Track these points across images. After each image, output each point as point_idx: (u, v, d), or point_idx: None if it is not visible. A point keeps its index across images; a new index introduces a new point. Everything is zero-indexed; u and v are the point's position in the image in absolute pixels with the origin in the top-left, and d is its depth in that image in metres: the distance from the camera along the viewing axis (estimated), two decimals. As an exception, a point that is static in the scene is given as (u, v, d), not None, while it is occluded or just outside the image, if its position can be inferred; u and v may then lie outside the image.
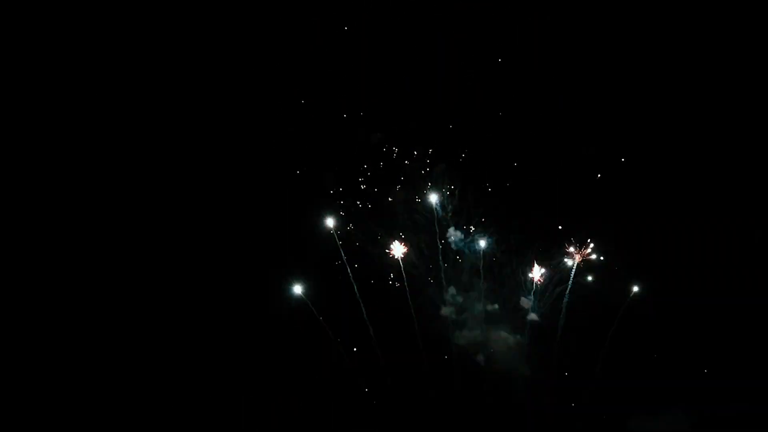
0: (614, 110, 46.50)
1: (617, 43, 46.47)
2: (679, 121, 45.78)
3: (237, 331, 45.22)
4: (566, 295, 44.42)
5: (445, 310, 46.92)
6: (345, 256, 45.42)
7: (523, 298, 46.18)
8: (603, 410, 44.69)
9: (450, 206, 46.05)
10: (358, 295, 45.37)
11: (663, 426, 43.44)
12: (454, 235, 45.96)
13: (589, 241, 43.31)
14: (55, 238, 44.53)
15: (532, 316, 46.05)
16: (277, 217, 46.31)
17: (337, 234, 45.02)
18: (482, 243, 45.12)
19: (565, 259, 43.85)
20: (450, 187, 46.21)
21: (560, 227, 44.92)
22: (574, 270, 43.97)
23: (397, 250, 44.40)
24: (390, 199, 46.18)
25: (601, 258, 43.64)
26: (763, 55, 44.60)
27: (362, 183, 46.22)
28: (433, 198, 45.58)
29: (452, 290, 47.03)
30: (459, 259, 46.70)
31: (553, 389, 45.74)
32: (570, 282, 44.36)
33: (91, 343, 44.23)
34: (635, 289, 43.52)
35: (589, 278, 44.44)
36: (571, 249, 43.39)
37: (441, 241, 45.94)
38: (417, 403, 46.69)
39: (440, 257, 46.20)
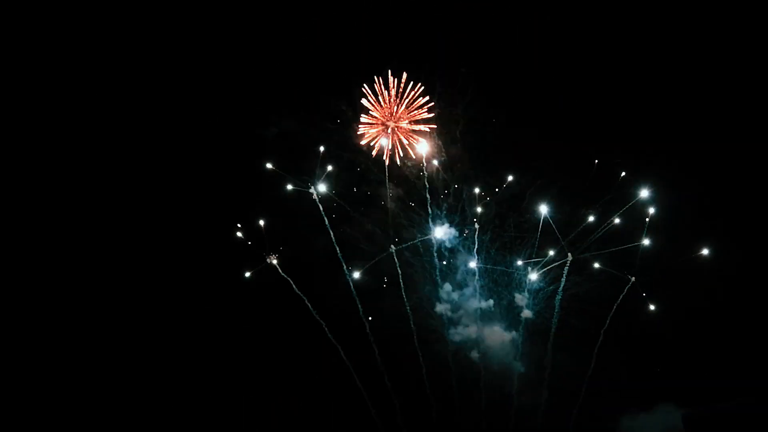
0: (613, 110, 46.67)
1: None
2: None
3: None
4: (559, 293, 44.70)
5: (440, 307, 47.16)
6: (340, 252, 45.75)
7: (517, 295, 46.41)
8: (597, 406, 44.93)
9: (445, 204, 46.18)
10: (354, 293, 45.61)
11: (656, 422, 43.70)
12: (448, 232, 46.10)
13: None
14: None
15: (527, 313, 46.28)
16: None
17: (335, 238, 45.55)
18: (534, 276, 45.95)
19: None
20: (445, 190, 46.34)
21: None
22: (567, 268, 44.27)
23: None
24: (383, 203, 46.28)
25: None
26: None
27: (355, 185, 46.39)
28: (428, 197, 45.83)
29: (447, 287, 47.23)
30: (453, 258, 46.95)
31: (547, 385, 46.03)
32: (563, 280, 44.62)
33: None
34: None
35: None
36: None
37: (435, 238, 46.14)
38: (414, 398, 46.91)
39: (435, 254, 46.46)
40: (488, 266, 46.32)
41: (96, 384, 44.52)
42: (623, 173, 44.74)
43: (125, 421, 44.80)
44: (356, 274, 45.23)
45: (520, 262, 45.87)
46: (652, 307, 43.94)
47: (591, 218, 44.64)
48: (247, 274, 44.38)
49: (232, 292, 44.83)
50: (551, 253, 44.77)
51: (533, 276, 45.59)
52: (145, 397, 44.80)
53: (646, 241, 43.87)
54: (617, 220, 44.25)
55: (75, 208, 45.76)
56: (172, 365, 45.46)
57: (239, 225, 45.07)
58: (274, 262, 44.75)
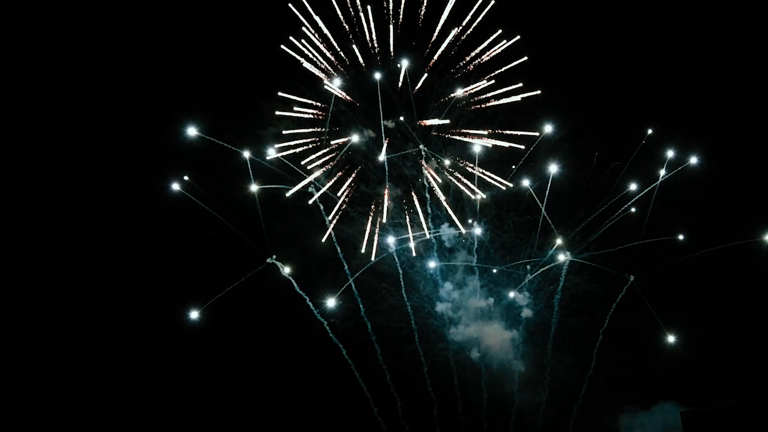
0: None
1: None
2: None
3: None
4: (558, 292, 44.69)
5: (441, 307, 47.25)
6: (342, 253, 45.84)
7: (517, 294, 46.46)
8: (597, 405, 44.98)
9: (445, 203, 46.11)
10: (356, 293, 45.68)
11: (655, 421, 43.68)
12: (447, 231, 46.11)
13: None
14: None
15: (527, 312, 46.35)
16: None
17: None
18: (512, 294, 46.28)
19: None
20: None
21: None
22: (565, 267, 44.23)
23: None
24: (382, 202, 46.10)
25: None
26: None
27: (352, 183, 46.20)
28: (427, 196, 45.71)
29: (448, 286, 47.35)
30: (453, 255, 46.97)
31: (548, 385, 46.08)
32: (561, 279, 44.60)
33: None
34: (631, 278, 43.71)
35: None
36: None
37: (434, 238, 46.15)
38: (416, 398, 47.02)
39: (435, 253, 46.46)
40: (449, 263, 46.22)
41: (98, 385, 45.00)
42: (650, 131, 42.80)
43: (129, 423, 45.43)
44: (331, 302, 44.43)
45: (495, 270, 46.02)
46: (671, 339, 42.95)
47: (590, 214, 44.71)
48: (194, 315, 42.84)
49: (234, 291, 44.57)
50: (558, 243, 44.37)
51: (511, 294, 45.88)
52: (148, 399, 45.14)
53: (680, 236, 43.10)
54: (632, 210, 43.67)
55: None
56: (174, 367, 45.75)
57: (186, 177, 42.33)
58: (287, 270, 44.47)
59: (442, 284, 46.96)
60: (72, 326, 45.27)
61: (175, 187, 42.23)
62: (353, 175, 44.53)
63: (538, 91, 41.07)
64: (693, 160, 42.06)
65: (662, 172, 42.53)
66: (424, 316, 46.99)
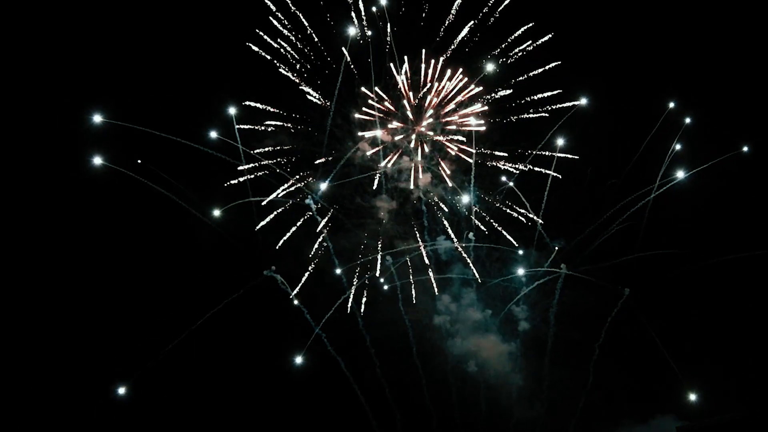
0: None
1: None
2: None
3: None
4: (553, 306, 44.56)
5: (438, 320, 47.25)
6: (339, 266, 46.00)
7: (515, 307, 46.31)
8: (594, 419, 44.68)
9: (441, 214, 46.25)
10: (354, 306, 45.74)
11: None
12: (444, 244, 46.21)
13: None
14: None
15: (524, 325, 46.20)
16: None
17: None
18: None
19: None
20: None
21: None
22: (561, 280, 44.19)
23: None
24: (379, 214, 46.38)
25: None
26: None
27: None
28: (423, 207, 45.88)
29: (446, 299, 47.38)
30: (450, 267, 47.05)
31: (546, 398, 45.92)
32: (557, 292, 44.54)
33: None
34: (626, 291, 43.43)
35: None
36: None
37: (430, 251, 46.25)
38: (414, 411, 46.91)
39: (431, 266, 46.47)
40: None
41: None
42: (672, 104, 40.25)
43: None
44: (298, 359, 43.58)
45: (476, 284, 45.97)
46: (692, 397, 41.89)
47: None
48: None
49: (231, 304, 44.71)
50: (554, 256, 44.50)
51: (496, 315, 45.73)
52: (147, 400, 45.27)
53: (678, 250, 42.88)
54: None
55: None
56: (173, 372, 45.89)
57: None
58: (295, 300, 44.74)
59: (440, 297, 47.09)
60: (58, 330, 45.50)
61: (98, 160, 39.75)
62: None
63: (583, 101, 36.91)
64: (745, 148, 39.99)
65: (678, 146, 40.03)
66: (422, 330, 47.02)
